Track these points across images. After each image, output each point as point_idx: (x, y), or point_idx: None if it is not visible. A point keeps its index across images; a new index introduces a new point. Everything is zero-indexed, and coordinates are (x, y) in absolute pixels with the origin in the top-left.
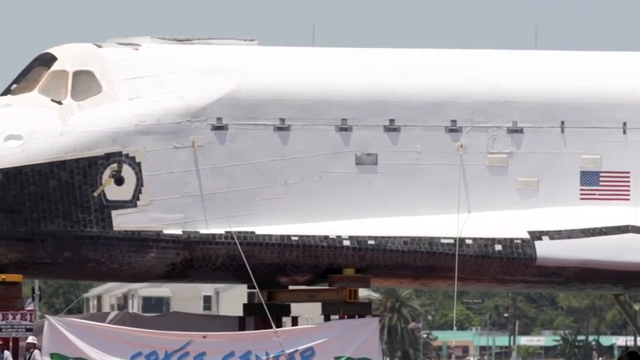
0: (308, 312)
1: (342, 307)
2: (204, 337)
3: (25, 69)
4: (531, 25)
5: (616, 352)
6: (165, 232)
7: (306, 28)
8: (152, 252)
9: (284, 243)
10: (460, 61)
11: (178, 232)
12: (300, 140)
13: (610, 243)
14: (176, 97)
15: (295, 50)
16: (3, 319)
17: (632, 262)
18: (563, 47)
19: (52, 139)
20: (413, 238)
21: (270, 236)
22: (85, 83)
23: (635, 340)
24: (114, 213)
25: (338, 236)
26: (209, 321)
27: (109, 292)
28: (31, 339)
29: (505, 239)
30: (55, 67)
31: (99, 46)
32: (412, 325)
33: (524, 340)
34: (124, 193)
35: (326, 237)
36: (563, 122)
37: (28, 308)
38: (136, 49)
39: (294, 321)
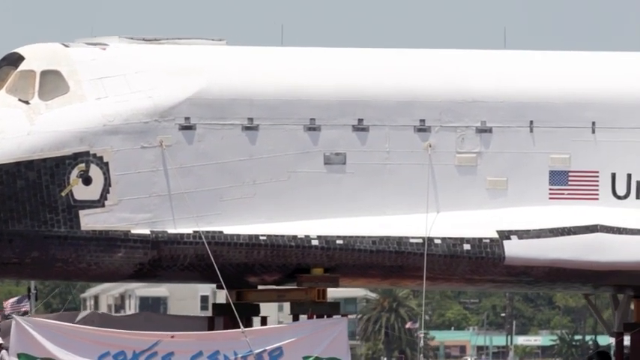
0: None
1: (311, 306)
2: (172, 337)
3: None
4: (500, 25)
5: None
6: (133, 231)
7: (275, 27)
8: (120, 252)
9: (252, 243)
10: (429, 60)
11: (146, 231)
12: (268, 140)
13: (579, 243)
14: (144, 97)
15: (264, 50)
16: None
17: (600, 261)
18: (532, 47)
19: (20, 138)
20: (381, 238)
21: (238, 236)
22: (52, 83)
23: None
24: (81, 213)
25: (306, 236)
26: (178, 321)
27: (106, 292)
28: None
29: (474, 239)
30: (23, 66)
31: (66, 46)
32: (409, 324)
33: (521, 340)
34: (92, 192)
35: (294, 237)
36: (531, 122)
37: (23, 308)
38: (104, 49)
39: (264, 321)
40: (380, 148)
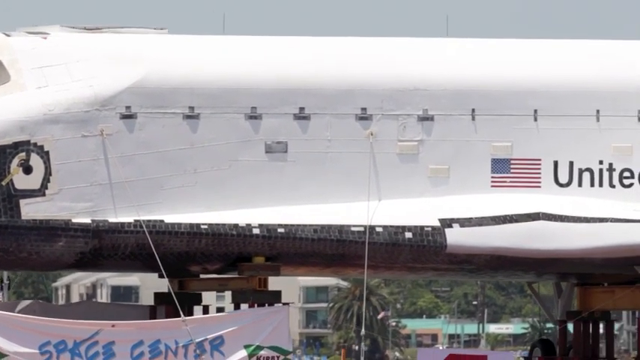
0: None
1: (252, 295)
2: (113, 325)
3: None
4: (442, 12)
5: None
6: (74, 220)
7: (216, 16)
8: (61, 241)
9: (193, 231)
10: (370, 49)
11: (87, 220)
12: (209, 129)
13: (521, 230)
14: (85, 86)
15: (205, 39)
16: None
17: (542, 249)
18: (474, 35)
19: None
20: (323, 226)
21: (179, 225)
22: None
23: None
24: (22, 202)
25: (248, 224)
26: (120, 310)
27: (78, 281)
28: None
29: (415, 227)
30: None
31: (7, 35)
32: (381, 314)
33: (493, 328)
34: (33, 182)
35: (236, 225)
36: (473, 110)
37: None
38: (45, 38)
39: (206, 310)
40: (321, 137)
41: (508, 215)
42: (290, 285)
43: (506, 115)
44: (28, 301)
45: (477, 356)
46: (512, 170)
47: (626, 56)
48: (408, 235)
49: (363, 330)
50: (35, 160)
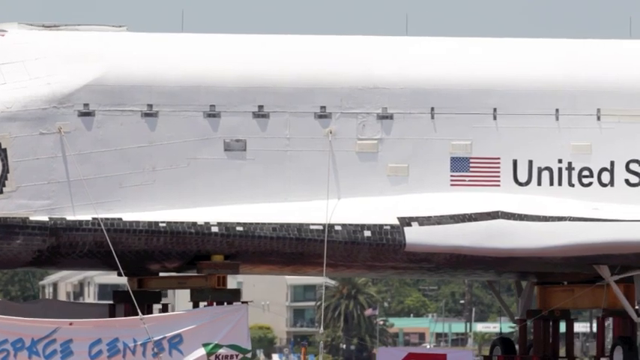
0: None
1: (211, 293)
2: (70, 324)
3: None
4: (402, 11)
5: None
6: (32, 218)
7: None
8: (18, 239)
9: (152, 230)
10: (330, 47)
11: (45, 218)
12: (168, 126)
13: (480, 229)
14: (43, 84)
15: (164, 36)
16: None
17: (501, 248)
18: (434, 34)
19: None
20: (282, 225)
21: (137, 223)
22: None
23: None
24: None
25: (206, 223)
26: (78, 308)
27: (65, 279)
28: None
29: (374, 225)
30: None
31: None
32: (368, 312)
33: (480, 327)
34: None
35: (194, 223)
36: (433, 108)
37: None
38: (3, 35)
39: (165, 308)
40: (280, 135)
41: (467, 214)
42: (277, 283)
43: (465, 113)
44: None
45: (437, 355)
46: (471, 169)
47: (586, 55)
48: (367, 233)
49: (321, 329)
50: None
